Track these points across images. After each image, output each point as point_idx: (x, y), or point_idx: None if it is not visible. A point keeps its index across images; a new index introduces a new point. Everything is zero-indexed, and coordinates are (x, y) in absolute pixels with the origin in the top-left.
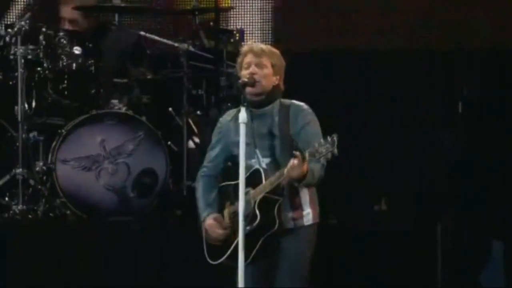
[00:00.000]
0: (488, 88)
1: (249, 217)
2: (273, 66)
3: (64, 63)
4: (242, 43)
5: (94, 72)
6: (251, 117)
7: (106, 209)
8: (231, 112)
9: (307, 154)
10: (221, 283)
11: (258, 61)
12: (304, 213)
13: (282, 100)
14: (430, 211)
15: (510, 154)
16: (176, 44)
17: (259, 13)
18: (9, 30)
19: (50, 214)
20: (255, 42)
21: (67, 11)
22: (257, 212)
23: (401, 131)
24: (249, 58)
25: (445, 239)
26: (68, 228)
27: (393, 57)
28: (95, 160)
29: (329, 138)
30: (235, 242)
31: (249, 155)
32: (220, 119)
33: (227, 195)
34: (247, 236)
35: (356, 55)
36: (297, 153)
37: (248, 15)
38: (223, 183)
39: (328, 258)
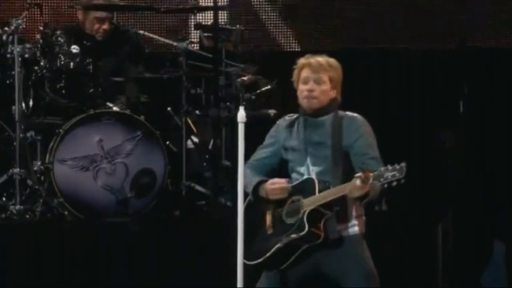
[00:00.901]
0: (490, 87)
1: (296, 226)
2: (331, 80)
3: (62, 62)
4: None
5: (92, 71)
6: (305, 125)
7: (104, 209)
8: (289, 118)
9: (371, 178)
10: (220, 284)
11: (316, 77)
12: (349, 224)
13: (338, 111)
14: (431, 211)
15: (511, 153)
16: (174, 43)
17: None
18: (6, 28)
19: (48, 215)
20: (312, 55)
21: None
22: (305, 223)
23: (401, 130)
24: (306, 72)
25: (446, 239)
26: (66, 229)
27: (393, 56)
28: (93, 160)
29: (397, 166)
30: (275, 247)
31: (298, 162)
32: (278, 122)
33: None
34: (289, 244)
35: (355, 54)
36: (361, 174)
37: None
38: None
39: None
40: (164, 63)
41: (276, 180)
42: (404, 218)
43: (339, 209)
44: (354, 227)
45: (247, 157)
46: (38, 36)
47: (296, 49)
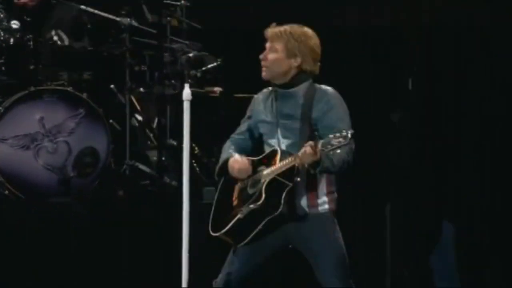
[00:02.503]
0: (439, 64)
1: (255, 196)
2: (287, 49)
3: (1, 38)
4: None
5: (32, 47)
6: (275, 97)
7: (45, 189)
8: (266, 91)
9: (320, 145)
10: (166, 264)
11: (270, 45)
12: (320, 201)
13: (314, 84)
14: (380, 191)
15: (463, 133)
16: (118, 19)
17: None
18: None
19: None
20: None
21: None
22: (263, 192)
23: (353, 109)
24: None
25: (394, 221)
26: (5, 209)
27: (340, 33)
28: (34, 139)
29: (344, 132)
30: (235, 218)
31: (270, 135)
32: (255, 95)
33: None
34: (248, 216)
35: None
36: (310, 141)
37: None
38: (248, 158)
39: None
40: (107, 39)
41: (237, 158)
42: (352, 199)
43: (306, 182)
44: (325, 205)
45: (192, 135)
46: None
47: (244, 26)
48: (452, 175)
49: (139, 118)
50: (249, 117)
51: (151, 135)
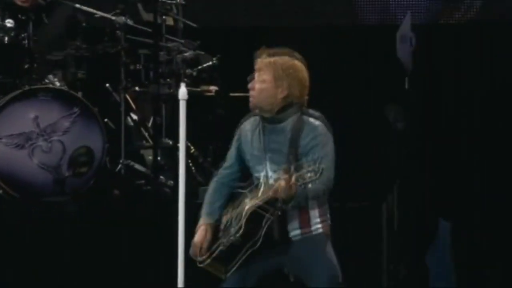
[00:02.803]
0: (436, 62)
1: (236, 228)
2: (275, 79)
3: None
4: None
5: (27, 45)
6: (263, 130)
7: (40, 188)
8: (252, 120)
9: (293, 179)
10: (162, 265)
11: (258, 75)
12: (312, 225)
13: (302, 116)
14: (375, 190)
15: (459, 130)
16: (113, 17)
17: None
18: None
19: None
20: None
21: None
22: (243, 226)
23: (346, 108)
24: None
25: (390, 219)
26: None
27: (339, 32)
28: (28, 138)
29: (316, 167)
30: (219, 250)
31: (258, 168)
32: (241, 125)
33: (235, 201)
34: (230, 247)
35: (292, 32)
36: (285, 175)
37: None
38: (237, 190)
39: None
40: (102, 38)
41: (200, 238)
42: (348, 196)
43: (299, 212)
44: (318, 227)
45: (188, 135)
46: None
47: (240, 24)
48: (450, 173)
49: (134, 117)
50: (236, 148)
51: (147, 134)
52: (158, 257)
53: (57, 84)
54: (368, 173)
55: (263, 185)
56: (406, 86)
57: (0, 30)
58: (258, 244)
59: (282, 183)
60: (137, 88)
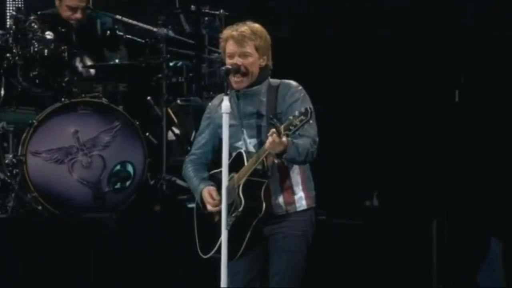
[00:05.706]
0: (486, 76)
1: (234, 204)
2: (257, 49)
3: (35, 49)
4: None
5: (67, 58)
6: (237, 97)
7: (80, 204)
8: (220, 96)
9: (282, 129)
10: (204, 279)
11: (241, 51)
12: (296, 197)
13: (272, 80)
14: (426, 207)
15: (509, 148)
16: (154, 29)
17: None
18: None
19: (20, 210)
20: (236, 25)
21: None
22: (242, 197)
23: (393, 123)
24: (231, 46)
25: (441, 236)
26: (39, 225)
27: (386, 46)
28: (68, 152)
29: (303, 109)
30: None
31: (235, 137)
32: (209, 103)
33: (215, 184)
34: (235, 225)
35: (342, 43)
36: (273, 129)
37: None
38: (211, 172)
39: (317, 256)
40: (144, 50)
41: (208, 193)
42: (397, 214)
43: (279, 177)
44: (301, 201)
45: None
46: (10, 21)
47: (283, 35)
48: (502, 190)
49: (176, 131)
50: (207, 126)
51: (189, 148)
52: (199, 271)
53: (98, 97)
54: (419, 189)
55: (245, 154)
56: (456, 99)
57: (40, 43)
58: (262, 211)
59: (273, 137)
60: (179, 101)
